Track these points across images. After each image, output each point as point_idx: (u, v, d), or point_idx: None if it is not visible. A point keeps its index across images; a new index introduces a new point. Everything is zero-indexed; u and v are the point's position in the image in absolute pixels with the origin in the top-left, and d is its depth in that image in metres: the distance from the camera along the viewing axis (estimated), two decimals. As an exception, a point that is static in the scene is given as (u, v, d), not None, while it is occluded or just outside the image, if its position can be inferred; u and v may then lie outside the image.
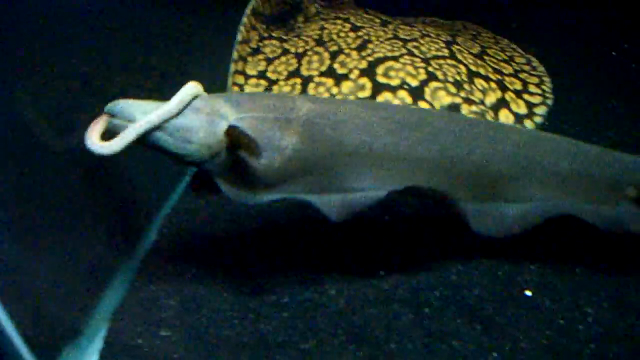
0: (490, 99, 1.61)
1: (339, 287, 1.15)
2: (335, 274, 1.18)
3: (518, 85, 1.70)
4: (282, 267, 1.21)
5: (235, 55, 1.69)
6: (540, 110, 1.64)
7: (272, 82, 1.68)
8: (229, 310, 1.11)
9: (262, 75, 1.71)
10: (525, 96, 1.68)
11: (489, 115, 1.55)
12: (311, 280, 1.16)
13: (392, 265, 1.19)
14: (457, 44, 1.76)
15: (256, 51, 1.78)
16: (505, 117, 1.60)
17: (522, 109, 1.64)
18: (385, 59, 1.62)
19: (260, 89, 1.66)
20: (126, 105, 0.95)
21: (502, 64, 1.77)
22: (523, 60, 1.85)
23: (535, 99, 1.67)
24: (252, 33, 1.80)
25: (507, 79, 1.71)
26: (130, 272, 1.22)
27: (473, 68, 1.66)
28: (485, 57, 1.77)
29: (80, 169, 1.11)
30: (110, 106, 0.97)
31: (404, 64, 1.60)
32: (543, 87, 1.72)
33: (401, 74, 1.57)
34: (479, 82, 1.63)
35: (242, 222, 1.33)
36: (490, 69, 1.71)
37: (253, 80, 1.69)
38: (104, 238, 1.18)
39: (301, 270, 1.19)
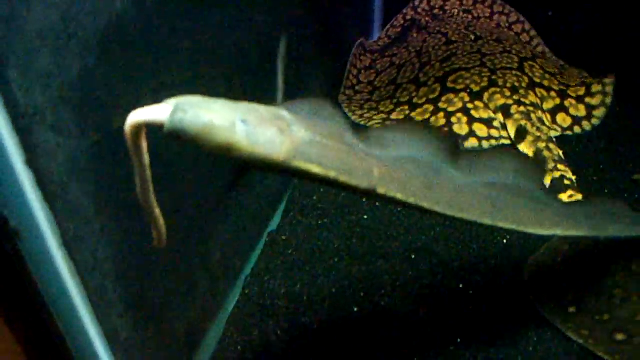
0: (548, 105, 1.88)
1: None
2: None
3: (581, 92, 1.93)
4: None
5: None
6: (599, 112, 1.87)
7: (376, 89, 2.10)
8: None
9: (370, 83, 2.14)
10: (587, 99, 1.90)
11: (537, 114, 1.82)
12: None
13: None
14: (533, 60, 2.03)
15: (369, 67, 2.22)
16: (562, 119, 1.86)
17: (582, 113, 1.88)
18: (459, 69, 1.97)
19: (366, 93, 2.09)
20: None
21: (572, 84, 1.99)
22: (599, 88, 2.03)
23: (595, 103, 1.89)
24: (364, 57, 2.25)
25: (572, 89, 1.95)
26: (218, 334, 1.30)
27: (537, 80, 1.94)
28: (559, 77, 2.01)
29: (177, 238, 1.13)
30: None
31: (473, 74, 1.94)
32: (606, 88, 1.93)
33: (467, 82, 1.91)
34: (539, 91, 1.91)
35: (320, 284, 1.37)
36: (557, 83, 1.96)
37: (362, 86, 2.14)
38: (197, 303, 1.24)
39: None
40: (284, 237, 1.50)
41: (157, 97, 0.65)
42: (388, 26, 2.47)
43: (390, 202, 0.81)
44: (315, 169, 0.68)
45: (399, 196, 0.77)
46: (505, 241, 1.46)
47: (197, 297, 1.24)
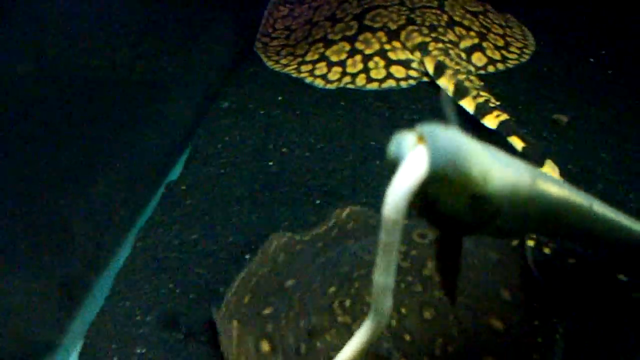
0: (466, 43, 1.81)
1: None
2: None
3: (500, 43, 1.86)
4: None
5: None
6: (513, 63, 1.81)
7: (292, 32, 2.00)
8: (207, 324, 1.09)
9: (287, 28, 2.04)
10: (503, 52, 1.84)
11: (455, 51, 1.74)
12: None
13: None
14: (455, 0, 1.96)
15: (287, 15, 2.11)
16: (478, 58, 1.79)
17: (497, 57, 1.81)
18: (377, 7, 1.88)
19: (282, 38, 1.98)
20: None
21: (495, 25, 1.92)
22: (519, 32, 1.98)
23: (512, 56, 1.83)
24: None
25: (492, 35, 1.88)
26: (106, 288, 1.20)
27: (457, 18, 1.86)
28: (482, 17, 1.94)
29: (50, 184, 1.08)
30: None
31: (391, 11, 1.85)
32: (525, 50, 1.87)
33: (385, 20, 1.83)
34: (458, 30, 1.83)
35: (216, 234, 1.29)
36: (478, 24, 1.89)
37: (279, 32, 2.03)
38: (77, 254, 1.16)
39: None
40: (183, 187, 1.41)
41: None
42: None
43: None
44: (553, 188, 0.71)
45: None
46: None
47: (76, 248, 1.15)
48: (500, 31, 1.91)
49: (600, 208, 0.82)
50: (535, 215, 0.70)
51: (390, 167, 0.53)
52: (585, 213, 0.79)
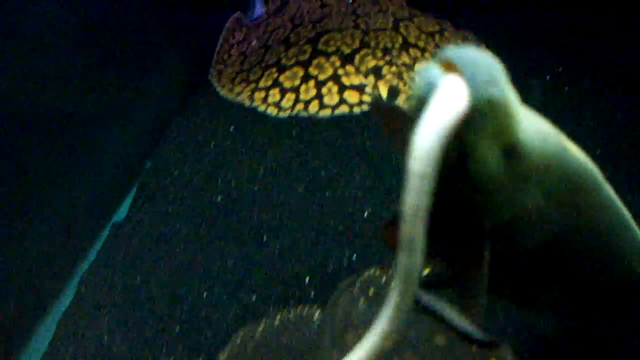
0: (421, 65, 1.79)
1: None
2: None
3: None
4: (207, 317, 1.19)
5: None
6: None
7: (246, 57, 1.97)
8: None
9: (242, 53, 2.01)
10: None
11: (410, 74, 1.72)
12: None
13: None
14: (410, 20, 1.93)
15: (243, 40, 2.07)
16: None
17: None
18: (331, 30, 1.85)
19: (237, 64, 1.95)
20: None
21: (451, 45, 1.91)
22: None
23: None
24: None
25: None
26: (50, 333, 1.18)
27: (412, 40, 1.84)
28: (438, 36, 1.92)
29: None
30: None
31: (345, 35, 1.83)
32: None
33: (339, 44, 1.80)
34: (413, 51, 1.81)
35: (160, 277, 1.26)
36: (433, 44, 1.87)
37: (234, 58, 2.00)
38: (14, 300, 1.14)
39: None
40: (129, 228, 1.38)
41: None
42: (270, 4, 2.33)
43: None
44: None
45: None
46: (365, 214, 1.37)
47: (10, 297, 1.11)
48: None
49: (614, 196, 0.72)
50: (558, 188, 0.60)
51: (414, 109, 0.43)
52: (602, 194, 0.69)
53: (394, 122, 0.64)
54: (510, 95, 0.48)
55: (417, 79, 0.47)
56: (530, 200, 0.58)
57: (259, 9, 2.34)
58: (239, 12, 2.13)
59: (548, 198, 0.60)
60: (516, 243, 0.63)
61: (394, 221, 0.60)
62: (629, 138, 1.59)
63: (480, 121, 0.46)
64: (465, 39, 2.00)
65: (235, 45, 2.03)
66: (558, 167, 0.60)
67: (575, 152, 0.64)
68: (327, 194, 1.42)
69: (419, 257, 0.46)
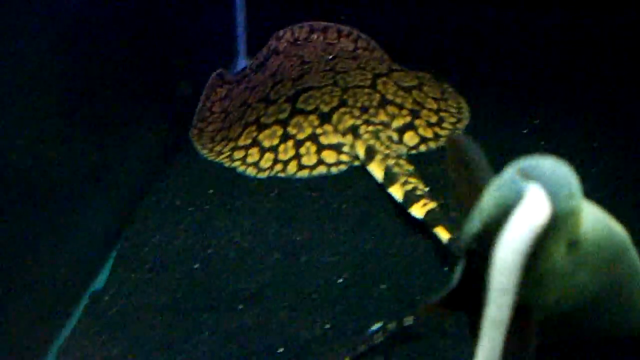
0: (398, 122, 1.81)
1: None
2: None
3: (433, 119, 1.86)
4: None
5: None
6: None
7: (228, 114, 2.00)
8: None
9: (224, 111, 2.04)
10: (436, 129, 1.84)
11: (387, 133, 1.75)
12: None
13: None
14: (388, 76, 1.96)
15: (225, 97, 2.10)
16: (410, 138, 1.79)
17: (429, 134, 1.82)
18: (310, 88, 1.88)
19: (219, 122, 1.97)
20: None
21: (429, 99, 1.93)
22: (454, 104, 1.97)
23: (444, 133, 1.82)
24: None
25: (425, 111, 1.88)
26: None
27: (389, 97, 1.86)
28: (415, 91, 1.94)
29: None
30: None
31: (324, 93, 1.86)
32: (457, 125, 1.87)
33: (318, 102, 1.83)
34: (391, 109, 1.83)
35: (138, 349, 1.25)
36: (411, 100, 1.89)
37: (215, 116, 2.03)
38: None
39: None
40: (107, 297, 1.39)
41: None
42: (253, 59, 2.36)
43: None
44: None
45: None
46: (340, 280, 1.38)
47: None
48: (434, 106, 1.92)
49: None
50: (601, 264, 0.62)
51: (494, 217, 0.45)
52: (631, 259, 0.71)
53: (463, 165, 0.66)
54: (582, 201, 0.49)
55: (500, 186, 0.48)
56: (578, 282, 0.60)
57: (242, 62, 2.38)
58: (221, 69, 2.16)
59: (591, 274, 0.62)
60: (551, 315, 0.64)
61: (437, 305, 0.63)
62: (606, 190, 1.60)
63: (558, 230, 0.47)
64: (444, 92, 2.02)
65: (217, 102, 2.06)
66: (606, 248, 0.62)
67: (616, 226, 0.66)
68: (302, 259, 1.43)
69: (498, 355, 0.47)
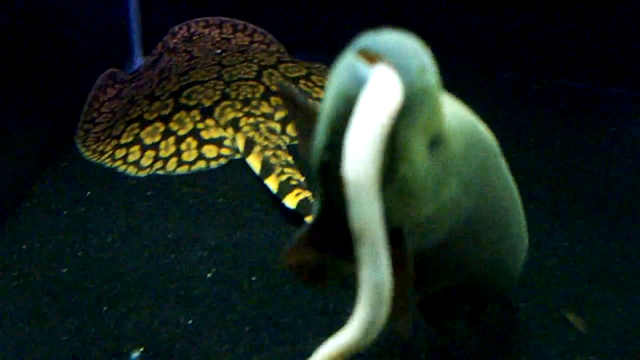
0: (281, 114, 1.81)
1: None
2: None
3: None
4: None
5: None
6: None
7: (115, 114, 1.97)
8: None
9: (112, 111, 2.01)
10: None
11: (268, 124, 1.74)
12: None
13: None
14: (274, 68, 1.96)
15: (115, 97, 2.07)
16: (292, 129, 1.79)
17: None
18: (195, 83, 1.87)
19: (105, 122, 1.94)
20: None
21: (317, 89, 1.93)
22: None
23: None
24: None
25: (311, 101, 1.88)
26: None
27: (274, 88, 1.86)
28: (303, 81, 1.94)
29: None
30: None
31: (207, 87, 1.84)
32: None
33: (200, 97, 1.82)
34: (274, 100, 1.83)
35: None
36: (296, 91, 1.88)
37: (103, 116, 2.00)
38: None
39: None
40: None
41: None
42: (147, 57, 2.34)
43: None
44: None
45: None
46: (209, 275, 1.37)
47: None
48: (322, 94, 1.92)
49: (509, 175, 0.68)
50: (471, 172, 0.55)
51: (341, 110, 0.38)
52: (503, 172, 0.66)
53: (304, 120, 0.62)
54: (439, 80, 0.43)
55: (338, 76, 0.41)
56: (449, 192, 0.53)
57: (138, 62, 2.35)
58: (112, 68, 2.13)
59: (463, 185, 0.56)
60: (427, 238, 0.58)
61: (298, 247, 0.58)
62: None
63: (413, 114, 0.41)
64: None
65: (106, 103, 2.03)
66: (473, 149, 0.55)
67: (485, 131, 0.60)
68: (172, 256, 1.42)
69: (386, 271, 0.42)
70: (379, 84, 0.37)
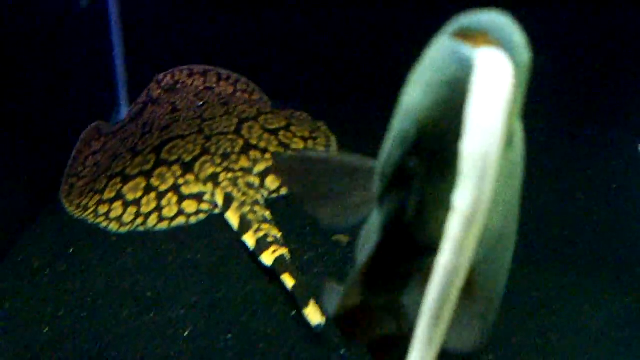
0: (260, 167, 1.85)
1: None
2: None
3: None
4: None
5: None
6: None
7: (99, 167, 2.01)
8: None
9: (96, 164, 2.05)
10: None
11: (246, 179, 1.79)
12: None
13: None
14: (254, 120, 2.01)
15: (100, 150, 2.11)
16: (271, 181, 1.84)
17: None
18: (176, 137, 1.92)
19: (89, 176, 1.98)
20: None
21: (296, 139, 1.98)
22: (323, 142, 2.03)
23: None
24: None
25: (289, 153, 1.92)
26: None
27: (253, 141, 1.91)
28: (282, 132, 1.99)
29: None
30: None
31: (188, 142, 1.89)
32: None
33: (181, 151, 1.87)
34: (253, 154, 1.88)
35: None
36: (276, 143, 1.94)
37: (88, 170, 2.04)
38: None
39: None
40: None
41: None
42: (132, 106, 2.39)
43: None
44: None
45: None
46: (186, 334, 1.41)
47: None
48: (301, 145, 1.97)
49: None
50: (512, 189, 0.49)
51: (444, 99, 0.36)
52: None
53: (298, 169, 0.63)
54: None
55: (436, 62, 0.39)
56: (504, 199, 0.49)
57: (124, 111, 2.41)
58: (98, 122, 2.18)
59: (504, 201, 0.51)
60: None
61: (352, 290, 0.54)
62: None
63: (518, 95, 0.38)
64: (314, 131, 2.08)
65: (91, 156, 2.08)
66: (521, 164, 0.51)
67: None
68: (150, 314, 1.46)
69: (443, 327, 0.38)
70: (491, 62, 0.35)
